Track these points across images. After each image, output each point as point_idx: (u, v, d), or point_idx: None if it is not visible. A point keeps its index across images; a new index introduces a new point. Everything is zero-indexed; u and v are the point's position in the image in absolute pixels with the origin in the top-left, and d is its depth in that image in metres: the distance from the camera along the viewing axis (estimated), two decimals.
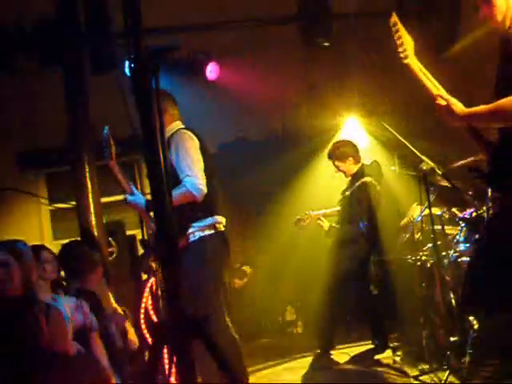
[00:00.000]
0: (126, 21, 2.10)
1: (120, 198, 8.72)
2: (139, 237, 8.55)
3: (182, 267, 1.95)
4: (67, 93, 6.13)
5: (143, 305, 4.88)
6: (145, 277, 6.05)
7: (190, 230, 4.27)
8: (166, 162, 2.08)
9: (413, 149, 5.10)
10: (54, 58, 5.98)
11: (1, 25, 5.91)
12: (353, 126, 8.01)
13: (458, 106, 3.13)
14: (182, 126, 4.50)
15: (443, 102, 3.15)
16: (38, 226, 8.85)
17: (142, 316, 4.89)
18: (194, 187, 4.18)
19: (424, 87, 3.23)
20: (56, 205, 8.63)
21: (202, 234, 4.32)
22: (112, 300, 5.40)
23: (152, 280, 4.77)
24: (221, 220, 4.42)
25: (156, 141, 2.00)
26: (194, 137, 4.39)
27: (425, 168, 4.99)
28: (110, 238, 6.53)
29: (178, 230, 4.02)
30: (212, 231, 4.35)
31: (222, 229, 4.43)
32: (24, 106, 8.22)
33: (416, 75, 3.23)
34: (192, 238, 4.28)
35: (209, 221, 4.35)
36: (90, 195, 6.00)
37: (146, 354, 5.73)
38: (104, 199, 6.71)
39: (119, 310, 5.21)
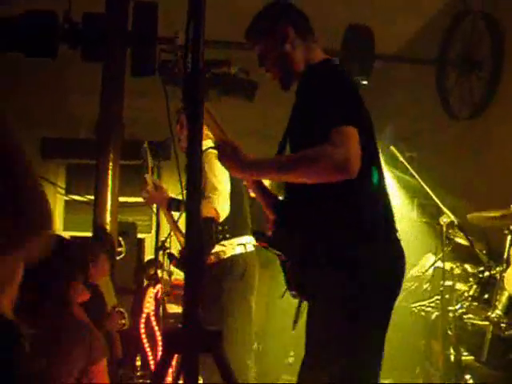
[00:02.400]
0: (187, 30, 2.12)
1: (136, 199, 8.80)
2: (149, 241, 8.60)
3: (205, 280, 1.96)
4: (104, 88, 6.18)
5: (146, 310, 4.90)
6: (146, 282, 6.06)
7: (219, 248, 4.28)
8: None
9: (436, 200, 5.14)
10: (96, 53, 6.03)
11: (50, 13, 5.97)
12: None
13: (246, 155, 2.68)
14: (212, 145, 4.49)
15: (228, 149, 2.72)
16: None
17: (142, 321, 4.90)
18: (220, 206, 4.21)
19: (212, 130, 2.82)
20: (72, 196, 8.69)
21: (231, 252, 4.33)
22: (114, 298, 5.43)
23: (158, 287, 4.78)
24: (250, 240, 4.41)
25: (200, 149, 2.02)
26: None
27: (445, 220, 5.01)
28: (120, 238, 6.55)
29: (207, 247, 4.05)
30: (241, 251, 4.37)
31: (252, 249, 4.42)
32: (57, 93, 8.30)
33: (206, 118, 2.69)
34: (221, 256, 4.30)
35: (238, 240, 4.36)
36: (109, 193, 6.02)
37: (138, 358, 5.76)
38: (120, 198, 6.72)
39: (121, 309, 5.24)
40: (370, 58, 6.60)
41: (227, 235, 4.24)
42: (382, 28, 6.79)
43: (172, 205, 4.37)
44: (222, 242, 4.27)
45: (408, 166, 5.48)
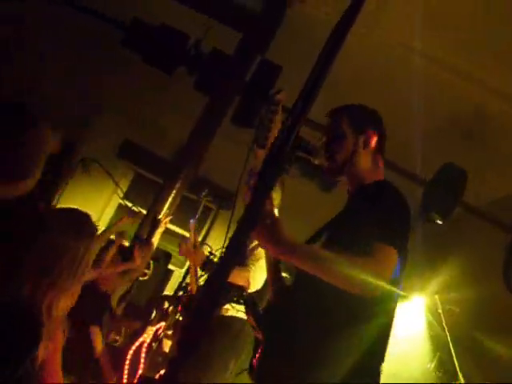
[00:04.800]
0: (296, 103, 2.12)
1: (180, 231, 8.83)
2: (177, 275, 8.60)
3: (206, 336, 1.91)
4: (201, 118, 6.28)
5: (142, 338, 4.87)
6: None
7: (226, 305, 4.27)
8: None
9: (456, 363, 5.03)
10: (209, 86, 6.14)
11: (183, 34, 6.14)
12: (416, 305, 7.80)
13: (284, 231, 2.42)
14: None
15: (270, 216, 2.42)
16: (100, 211, 9.00)
17: (133, 347, 4.86)
18: (255, 280, 4.22)
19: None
20: (127, 202, 8.81)
21: (236, 314, 4.32)
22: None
23: (162, 324, 4.75)
24: None
25: (255, 221, 2.00)
26: None
27: None
28: (151, 261, 6.55)
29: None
30: (243, 316, 4.34)
31: None
32: (158, 103, 8.47)
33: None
34: (223, 312, 4.28)
35: None
36: (161, 216, 6.05)
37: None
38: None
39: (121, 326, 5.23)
40: (454, 202, 6.51)
41: (241, 301, 4.23)
42: (478, 178, 6.72)
43: (207, 266, 4.41)
44: (233, 304, 4.26)
45: (443, 319, 5.39)
